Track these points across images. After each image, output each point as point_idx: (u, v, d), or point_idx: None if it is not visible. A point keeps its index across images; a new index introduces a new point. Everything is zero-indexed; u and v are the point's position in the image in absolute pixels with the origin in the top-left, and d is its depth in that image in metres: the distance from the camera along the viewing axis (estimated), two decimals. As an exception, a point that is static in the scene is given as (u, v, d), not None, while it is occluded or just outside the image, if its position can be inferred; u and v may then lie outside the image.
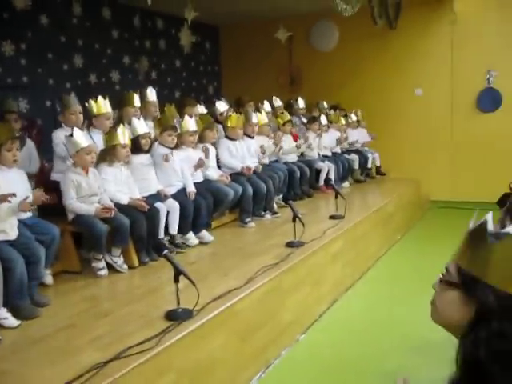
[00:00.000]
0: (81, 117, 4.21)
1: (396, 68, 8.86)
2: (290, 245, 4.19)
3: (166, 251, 2.87)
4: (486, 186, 7.99)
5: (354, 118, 8.13)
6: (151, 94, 5.05)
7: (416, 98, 8.87)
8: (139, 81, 7.93)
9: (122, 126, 4.05)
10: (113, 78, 7.69)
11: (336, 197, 5.29)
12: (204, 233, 4.54)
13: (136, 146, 4.19)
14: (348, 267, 4.84)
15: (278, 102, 7.15)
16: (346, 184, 7.45)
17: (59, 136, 4.03)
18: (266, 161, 5.98)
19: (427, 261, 5.49)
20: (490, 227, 1.39)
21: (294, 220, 4.19)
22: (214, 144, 5.25)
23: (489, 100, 8.55)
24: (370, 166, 8.22)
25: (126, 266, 3.80)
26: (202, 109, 5.71)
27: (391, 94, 8.89)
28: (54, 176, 4.12)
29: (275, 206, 5.70)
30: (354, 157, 7.83)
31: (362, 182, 7.92)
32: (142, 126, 4.26)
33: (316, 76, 9.08)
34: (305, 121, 7.36)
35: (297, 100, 7.60)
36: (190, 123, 4.68)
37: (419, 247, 6.20)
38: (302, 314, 3.89)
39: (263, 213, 5.43)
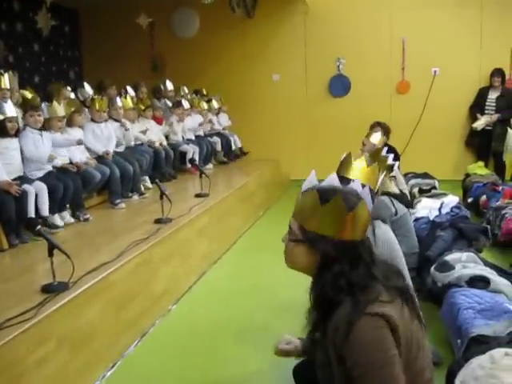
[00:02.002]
0: None
1: (255, 55, 9.33)
2: (158, 221, 4.41)
3: (38, 227, 2.97)
4: (335, 165, 8.72)
5: (215, 103, 8.44)
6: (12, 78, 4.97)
7: (274, 83, 9.41)
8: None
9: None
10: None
11: (200, 176, 5.59)
12: (71, 213, 4.65)
13: (2, 130, 4.16)
14: (215, 241, 5.16)
15: (141, 87, 7.24)
16: (210, 165, 7.78)
17: None
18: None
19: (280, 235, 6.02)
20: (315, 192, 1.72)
21: (161, 198, 4.41)
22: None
23: (339, 86, 9.31)
24: (234, 147, 8.62)
25: (-6, 249, 3.81)
26: (69, 93, 5.73)
27: (251, 80, 9.34)
28: None
29: (142, 187, 5.88)
30: (217, 139, 8.19)
31: (226, 164, 8.29)
32: (10, 110, 4.23)
33: (179, 62, 9.26)
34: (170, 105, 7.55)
35: (165, 83, 7.75)
36: (58, 108, 4.72)
37: (280, 222, 6.57)
38: (174, 286, 4.14)
39: (131, 194, 5.59)
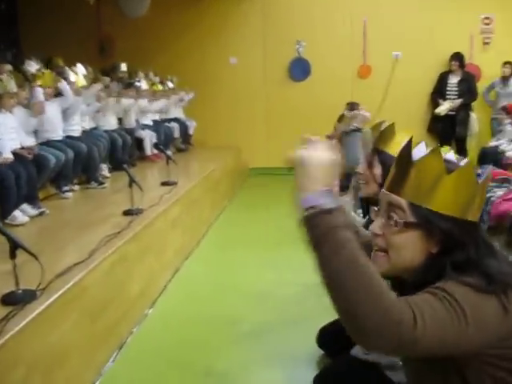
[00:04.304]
0: None
1: (211, 37, 8.77)
2: (128, 213, 3.85)
3: (-2, 223, 2.38)
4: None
5: (170, 85, 7.87)
6: None
7: (231, 66, 8.90)
8: None
9: None
10: None
11: (167, 163, 5.03)
12: (28, 207, 3.98)
13: None
14: (187, 234, 4.65)
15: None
16: (169, 153, 7.18)
17: None
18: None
19: (255, 224, 5.68)
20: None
21: (130, 186, 3.84)
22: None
23: (299, 69, 8.90)
24: (191, 132, 8.07)
25: None
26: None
27: (207, 63, 8.80)
28: None
29: (100, 175, 5.28)
30: (175, 125, 7.60)
31: (184, 151, 7.74)
32: None
33: (129, 43, 8.53)
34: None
35: (119, 64, 7.09)
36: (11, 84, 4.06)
37: (246, 211, 6.23)
38: (149, 286, 3.61)
39: (93, 183, 5.01)
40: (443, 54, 8.55)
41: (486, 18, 8.58)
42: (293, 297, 3.71)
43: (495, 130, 8.02)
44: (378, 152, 2.29)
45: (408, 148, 1.33)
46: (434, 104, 8.55)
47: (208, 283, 4.06)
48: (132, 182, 3.81)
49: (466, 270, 1.19)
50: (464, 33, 8.56)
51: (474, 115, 8.36)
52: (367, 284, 1.04)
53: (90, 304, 2.73)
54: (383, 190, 1.34)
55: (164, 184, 4.94)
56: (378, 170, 2.28)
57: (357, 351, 2.35)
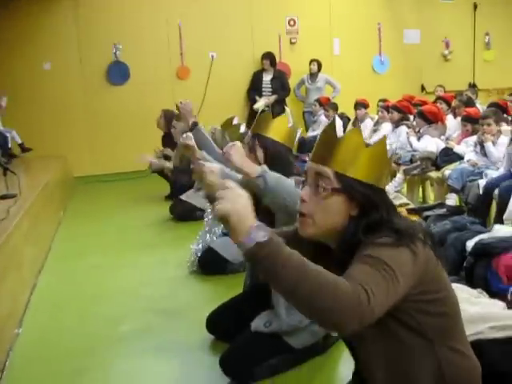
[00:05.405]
0: None
1: (22, 44, 8.27)
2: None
3: None
4: (122, 157, 8.38)
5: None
6: None
7: (45, 72, 8.50)
8: None
9: None
10: None
11: (5, 174, 4.71)
12: None
13: None
14: (36, 247, 4.42)
15: None
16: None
17: None
18: None
19: (98, 231, 5.59)
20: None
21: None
22: None
23: (117, 73, 8.81)
24: (9, 145, 7.54)
25: None
26: None
27: (19, 70, 8.28)
28: None
29: None
30: (-8, 137, 7.07)
31: (7, 164, 7.21)
32: None
33: None
34: None
35: None
36: None
37: (83, 223, 6.00)
38: (14, 305, 3.40)
39: None
40: (256, 53, 9.12)
41: (291, 20, 9.34)
42: (163, 293, 3.77)
43: (309, 121, 8.79)
44: (257, 137, 2.52)
45: (332, 126, 1.54)
46: (252, 100, 9.07)
47: (69, 295, 3.90)
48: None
49: (378, 229, 1.44)
50: (273, 33, 9.23)
51: (288, 109, 9.04)
52: (321, 284, 1.22)
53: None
54: (309, 162, 1.54)
55: (3, 197, 4.61)
56: (260, 153, 2.52)
57: (257, 325, 2.53)
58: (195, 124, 3.71)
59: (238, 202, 1.27)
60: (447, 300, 1.51)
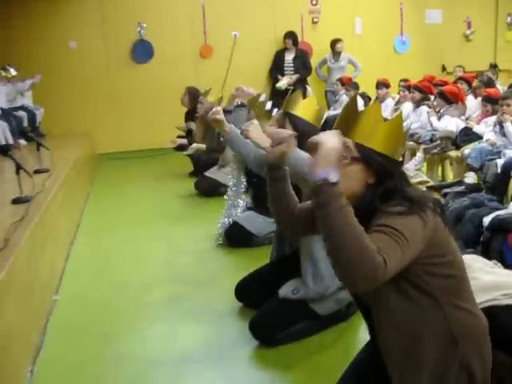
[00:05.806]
0: None
1: (47, 23, 8.45)
2: (17, 201, 3.76)
3: None
4: (148, 134, 8.56)
5: (12, 71, 7.47)
6: None
7: (71, 50, 8.67)
8: None
9: None
10: None
11: (38, 149, 4.93)
12: None
13: None
14: (70, 220, 4.64)
15: None
16: (23, 142, 6.86)
17: None
18: None
19: (125, 205, 5.78)
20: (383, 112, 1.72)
21: (17, 173, 3.75)
22: None
23: (141, 51, 8.96)
24: (38, 122, 7.75)
25: None
26: None
27: (44, 48, 8.45)
28: None
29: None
30: (23, 114, 7.26)
31: (33, 140, 7.41)
32: None
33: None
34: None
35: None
36: None
37: (110, 197, 6.19)
38: (51, 273, 3.61)
39: None
40: (279, 32, 9.19)
41: (313, -1, 9.39)
42: (193, 263, 3.95)
43: (330, 101, 8.87)
44: (288, 115, 2.67)
45: (354, 102, 1.71)
46: (274, 79, 9.16)
47: (103, 263, 4.11)
48: (19, 168, 3.73)
49: (392, 198, 1.62)
50: (296, 12, 9.28)
51: (309, 88, 9.13)
52: (358, 238, 1.41)
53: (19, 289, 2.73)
54: None
55: (37, 172, 4.82)
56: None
57: (285, 292, 2.70)
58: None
59: (334, 141, 1.47)
60: (453, 263, 1.67)
